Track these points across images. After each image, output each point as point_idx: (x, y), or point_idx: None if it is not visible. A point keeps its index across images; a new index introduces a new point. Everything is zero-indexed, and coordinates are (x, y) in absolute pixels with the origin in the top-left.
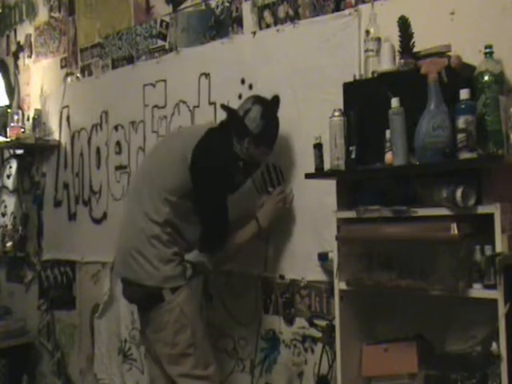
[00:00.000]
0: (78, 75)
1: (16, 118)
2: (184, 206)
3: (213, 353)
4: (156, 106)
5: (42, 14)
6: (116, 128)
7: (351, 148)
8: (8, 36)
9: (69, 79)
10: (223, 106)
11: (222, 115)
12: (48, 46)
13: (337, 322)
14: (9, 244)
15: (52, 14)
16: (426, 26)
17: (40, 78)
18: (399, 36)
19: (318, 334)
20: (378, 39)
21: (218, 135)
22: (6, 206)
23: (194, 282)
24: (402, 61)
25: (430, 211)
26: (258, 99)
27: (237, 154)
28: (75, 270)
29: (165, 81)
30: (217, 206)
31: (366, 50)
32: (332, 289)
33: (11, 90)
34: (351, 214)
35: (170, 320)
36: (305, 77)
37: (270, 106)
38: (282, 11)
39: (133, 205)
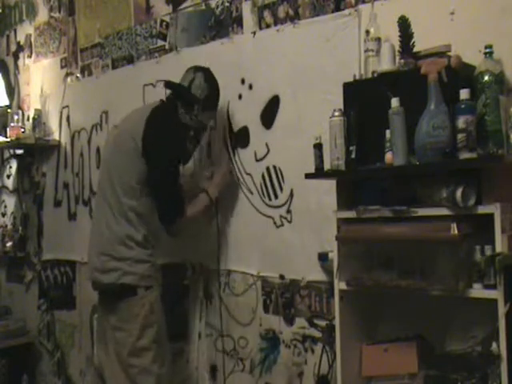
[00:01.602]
0: (78, 75)
1: (16, 117)
2: (149, 198)
3: (169, 357)
4: None
5: (42, 14)
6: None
7: (351, 148)
8: (8, 36)
9: (69, 79)
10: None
11: (221, 117)
12: (48, 46)
13: (337, 322)
14: (9, 244)
15: (52, 14)
16: (426, 26)
17: (40, 78)
18: (399, 36)
19: (318, 334)
20: (378, 39)
21: (162, 113)
22: (5, 206)
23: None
24: (402, 61)
25: (430, 211)
26: (197, 68)
27: (186, 125)
28: (75, 270)
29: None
30: (171, 181)
31: (366, 50)
32: (332, 289)
33: (11, 90)
34: (351, 214)
35: (140, 314)
36: (305, 77)
37: (208, 70)
38: (282, 11)
39: (101, 206)
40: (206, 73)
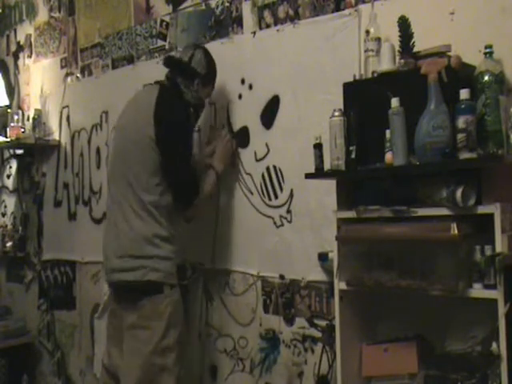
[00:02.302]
0: (78, 75)
1: (16, 117)
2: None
3: (187, 358)
4: None
5: (42, 14)
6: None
7: (351, 148)
8: (8, 36)
9: (69, 79)
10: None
11: (221, 116)
12: (48, 46)
13: (337, 322)
14: (9, 244)
15: (52, 14)
16: (426, 26)
17: (40, 78)
18: (399, 36)
19: (318, 334)
20: (378, 39)
21: (167, 95)
22: (5, 206)
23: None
24: (402, 61)
25: (429, 211)
26: (195, 45)
27: (188, 101)
28: (75, 270)
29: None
30: (185, 161)
31: (366, 50)
32: (332, 289)
33: (11, 90)
34: (351, 214)
35: (165, 312)
36: (305, 77)
37: (206, 48)
38: (282, 11)
39: (118, 206)
40: (205, 50)
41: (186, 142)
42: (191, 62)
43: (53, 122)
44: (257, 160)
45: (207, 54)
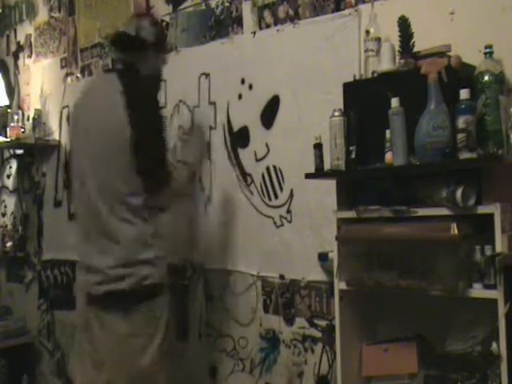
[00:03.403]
0: (78, 75)
1: (16, 117)
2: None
3: None
4: None
5: (42, 14)
6: None
7: (351, 148)
8: (8, 36)
9: (69, 79)
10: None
11: (221, 115)
12: (48, 46)
13: (337, 322)
14: (9, 244)
15: (52, 14)
16: (426, 26)
17: (40, 78)
18: (399, 36)
19: (318, 334)
20: (378, 39)
21: (128, 81)
22: (5, 206)
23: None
24: (402, 61)
25: (430, 211)
26: (137, 15)
27: (146, 77)
28: (75, 269)
29: (165, 81)
30: (161, 142)
31: (366, 50)
32: (332, 289)
33: (11, 90)
34: (351, 214)
35: (162, 316)
36: (305, 77)
37: (151, 16)
38: (282, 11)
39: (94, 218)
40: (150, 17)
41: (159, 123)
42: (140, 34)
43: (53, 122)
44: (257, 160)
45: (153, 20)
